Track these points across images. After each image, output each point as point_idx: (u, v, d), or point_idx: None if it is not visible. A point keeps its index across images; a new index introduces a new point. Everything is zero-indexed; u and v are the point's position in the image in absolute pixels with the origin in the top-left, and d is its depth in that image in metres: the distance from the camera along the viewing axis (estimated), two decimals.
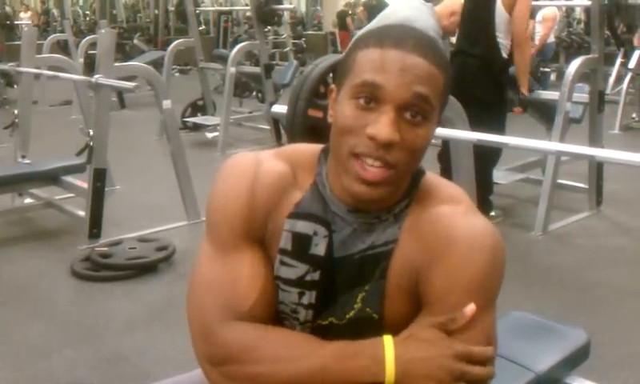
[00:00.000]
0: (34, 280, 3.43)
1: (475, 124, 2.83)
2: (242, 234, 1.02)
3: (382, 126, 0.93)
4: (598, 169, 4.27)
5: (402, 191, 1.04)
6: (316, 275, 1.03)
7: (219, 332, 0.99)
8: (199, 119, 7.10)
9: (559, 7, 9.77)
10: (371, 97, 0.95)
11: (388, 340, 0.96)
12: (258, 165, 1.05)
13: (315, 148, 1.09)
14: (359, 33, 1.18)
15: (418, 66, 0.95)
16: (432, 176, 1.08)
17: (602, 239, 4.01)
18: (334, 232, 1.03)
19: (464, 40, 4.13)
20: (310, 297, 1.04)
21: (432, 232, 1.00)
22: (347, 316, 1.03)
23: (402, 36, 0.97)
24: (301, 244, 1.03)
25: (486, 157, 3.81)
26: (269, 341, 0.98)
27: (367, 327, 1.01)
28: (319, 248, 1.02)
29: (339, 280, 1.03)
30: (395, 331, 1.01)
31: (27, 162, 4.66)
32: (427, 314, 0.99)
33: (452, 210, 1.02)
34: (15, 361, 2.67)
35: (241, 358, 0.97)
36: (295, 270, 1.04)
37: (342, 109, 0.97)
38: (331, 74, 2.09)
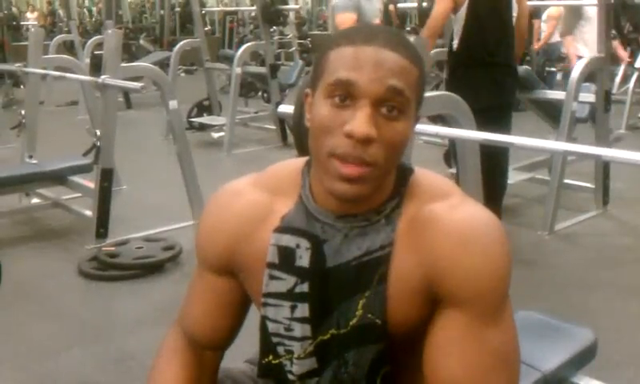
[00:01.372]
0: (42, 279, 3.45)
1: (498, 130, 2.73)
2: (203, 263, 1.15)
3: (358, 121, 0.93)
4: (604, 168, 4.26)
5: (388, 189, 1.03)
6: (305, 287, 1.03)
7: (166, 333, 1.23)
8: (205, 119, 7.10)
9: (565, 6, 9.72)
10: (346, 94, 0.95)
11: None
12: (234, 198, 1.11)
13: (299, 163, 1.10)
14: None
15: (391, 60, 0.95)
16: (421, 172, 1.07)
17: (608, 239, 4.01)
18: (325, 241, 1.03)
19: (483, 48, 3.50)
20: (302, 310, 1.04)
21: (436, 232, 0.98)
22: (350, 323, 1.02)
23: (372, 32, 0.98)
24: (286, 257, 1.04)
25: (505, 156, 3.71)
26: (155, 366, 1.20)
27: (371, 333, 1.01)
28: (303, 260, 1.03)
29: (336, 289, 1.03)
30: (400, 335, 1.01)
31: (34, 162, 4.68)
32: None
33: (448, 205, 1.00)
34: (22, 360, 2.68)
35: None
36: (284, 282, 1.04)
37: (318, 109, 0.97)
38: None
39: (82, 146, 4.26)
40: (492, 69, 3.52)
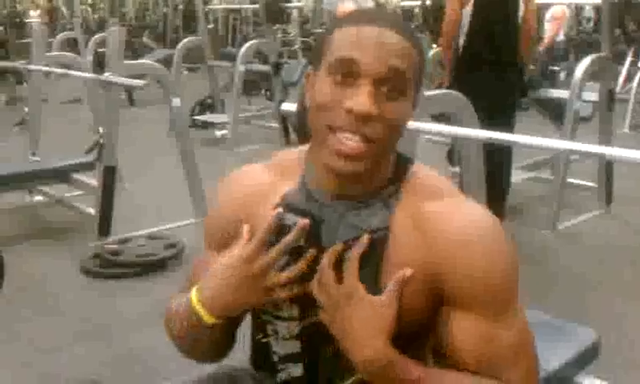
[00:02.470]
0: (44, 277, 3.45)
1: (502, 129, 2.73)
2: (208, 240, 1.17)
3: (359, 98, 0.95)
4: (607, 167, 4.25)
5: (386, 174, 1.05)
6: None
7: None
8: (208, 117, 7.11)
9: (569, 5, 9.72)
10: (348, 73, 0.97)
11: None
12: (242, 177, 1.15)
13: (305, 148, 1.12)
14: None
15: (393, 41, 0.97)
16: (421, 166, 1.10)
17: (611, 238, 4.00)
18: (322, 222, 1.04)
19: (489, 45, 3.50)
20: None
21: (439, 231, 1.00)
22: None
23: (375, 14, 1.03)
24: (283, 235, 1.04)
25: (509, 155, 3.67)
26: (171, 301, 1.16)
27: None
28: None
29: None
30: None
31: (37, 159, 4.69)
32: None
33: (448, 204, 1.02)
34: (25, 357, 2.68)
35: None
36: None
37: (320, 86, 0.99)
38: None
39: (84, 144, 4.26)
40: (498, 66, 3.50)
